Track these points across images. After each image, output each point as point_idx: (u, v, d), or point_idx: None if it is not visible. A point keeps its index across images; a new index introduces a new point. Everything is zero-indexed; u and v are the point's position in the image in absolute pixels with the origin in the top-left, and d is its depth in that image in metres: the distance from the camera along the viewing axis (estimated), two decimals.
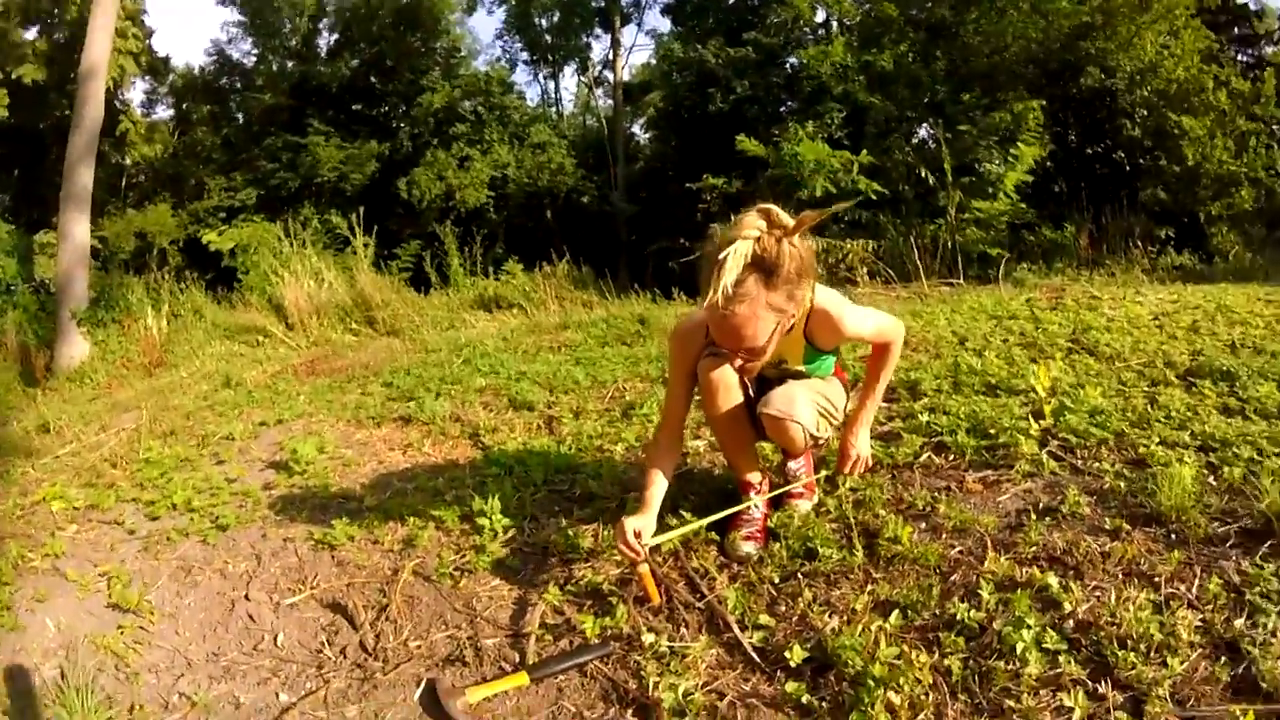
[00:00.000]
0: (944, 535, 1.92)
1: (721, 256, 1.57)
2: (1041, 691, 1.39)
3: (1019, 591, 1.61)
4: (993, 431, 2.39)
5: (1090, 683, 1.38)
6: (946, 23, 9.60)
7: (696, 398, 2.01)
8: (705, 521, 1.89)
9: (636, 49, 30.90)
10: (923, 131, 10.11)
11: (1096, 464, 2.19)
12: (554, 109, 23.17)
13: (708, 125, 12.35)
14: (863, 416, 2.08)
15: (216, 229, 15.09)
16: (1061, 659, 1.43)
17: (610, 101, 20.93)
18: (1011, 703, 1.37)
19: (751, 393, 1.96)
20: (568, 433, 3.00)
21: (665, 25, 19.57)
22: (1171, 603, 1.57)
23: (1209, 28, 8.87)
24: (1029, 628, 1.49)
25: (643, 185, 16.71)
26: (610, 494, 2.36)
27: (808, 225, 1.61)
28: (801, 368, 1.95)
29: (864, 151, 8.38)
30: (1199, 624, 1.50)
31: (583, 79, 23.41)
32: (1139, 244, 7.17)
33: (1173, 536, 1.82)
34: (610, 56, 21.00)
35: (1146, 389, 2.80)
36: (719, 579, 1.86)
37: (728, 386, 1.87)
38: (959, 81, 9.28)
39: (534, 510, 2.37)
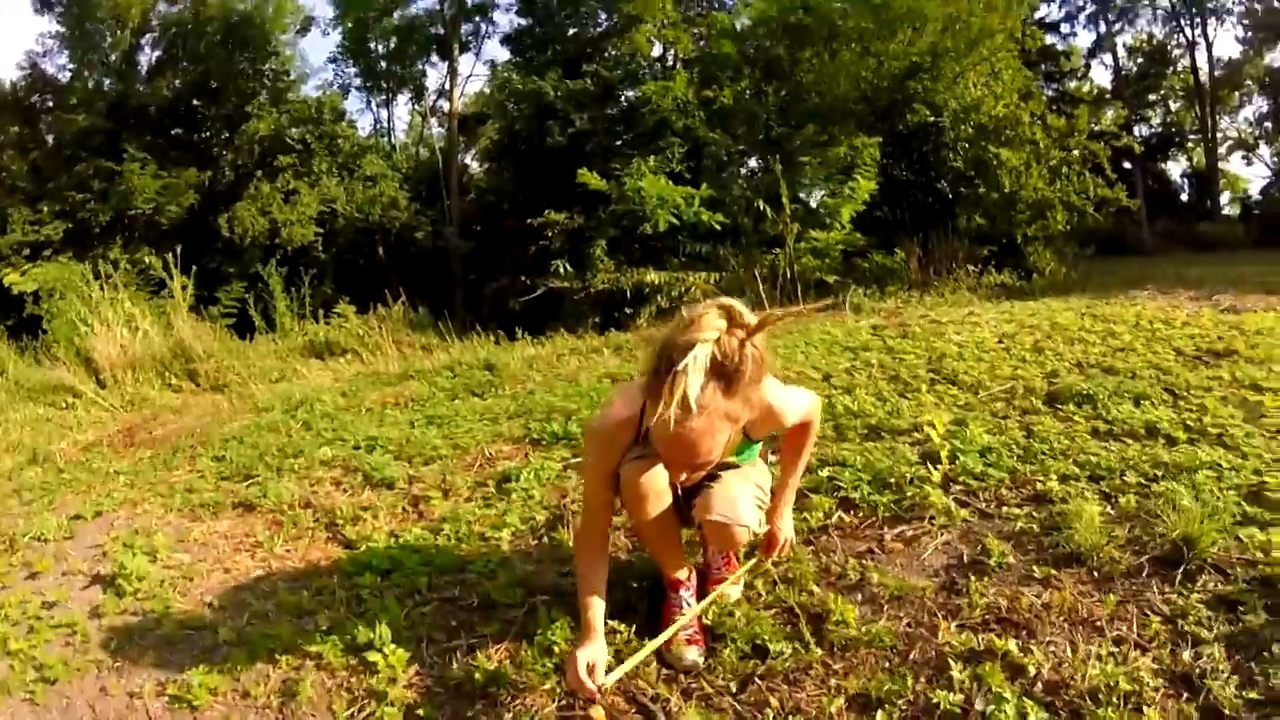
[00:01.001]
0: (886, 608, 1.87)
1: (681, 366, 1.36)
2: None
3: (986, 665, 1.59)
4: (894, 481, 2.43)
5: None
6: (782, 61, 10.20)
7: None
8: (658, 643, 1.68)
9: (473, 78, 30.50)
10: (756, 164, 10.65)
11: (1003, 507, 2.26)
12: (386, 139, 22.14)
13: (546, 159, 12.32)
14: (785, 497, 1.97)
15: (20, 268, 12.89)
16: None
17: (444, 131, 20.36)
18: None
19: (680, 490, 1.79)
20: (440, 517, 2.67)
21: (504, 55, 19.48)
22: (1121, 647, 1.63)
23: (1025, 65, 10.07)
24: (1008, 701, 1.48)
25: (478, 220, 16.28)
26: (513, 599, 2.06)
27: (770, 325, 1.45)
28: (732, 458, 1.82)
29: (704, 185, 8.71)
30: (1153, 665, 1.58)
31: (417, 108, 22.62)
32: (963, 265, 7.95)
33: (1097, 575, 1.90)
34: (447, 85, 20.40)
35: (1019, 418, 2.97)
36: (672, 699, 1.66)
37: (658, 493, 1.70)
38: (794, 118, 9.88)
39: (429, 630, 1.99)
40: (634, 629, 1.83)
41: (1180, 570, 1.85)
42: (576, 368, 5.02)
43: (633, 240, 9.53)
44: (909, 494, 2.33)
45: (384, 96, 22.09)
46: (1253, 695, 1.47)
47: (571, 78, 12.39)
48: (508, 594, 2.05)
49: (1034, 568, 1.93)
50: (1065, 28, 21.43)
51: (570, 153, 11.75)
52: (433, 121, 21.81)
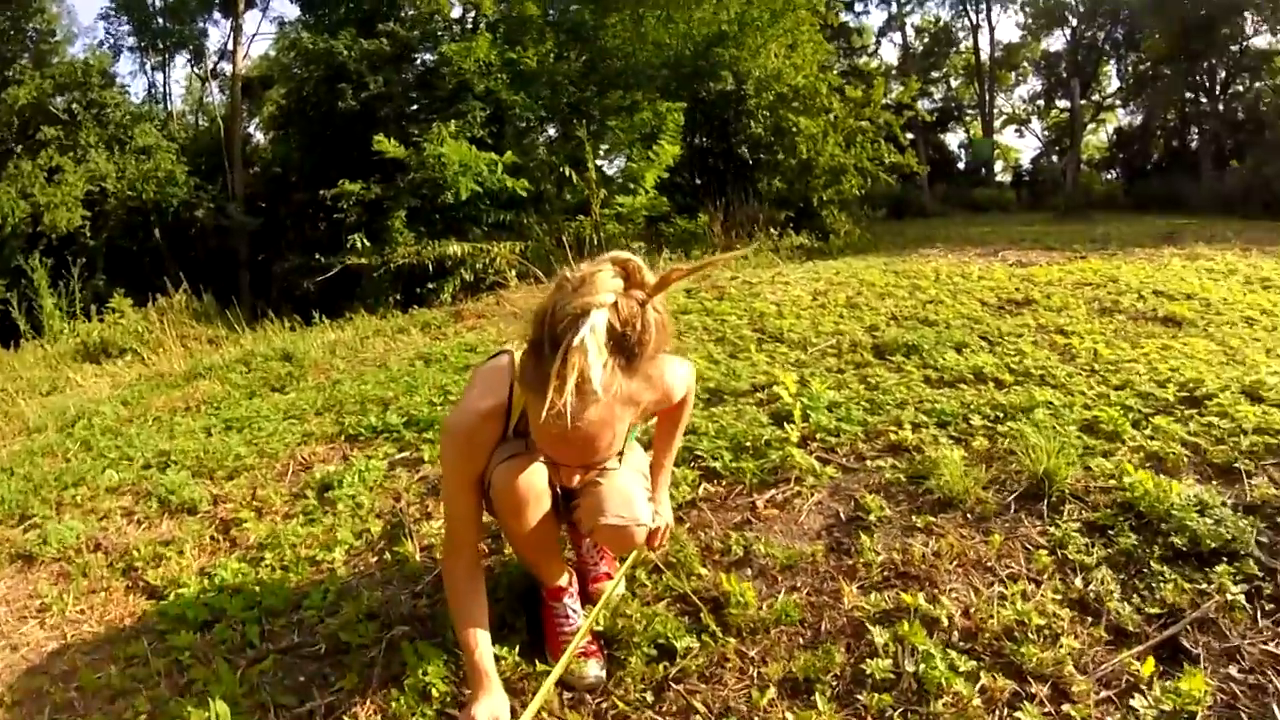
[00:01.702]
0: (780, 579, 1.76)
1: (577, 340, 1.05)
2: (991, 717, 1.34)
3: (903, 624, 1.51)
4: (752, 446, 2.34)
5: (1016, 685, 1.39)
6: (586, 25, 9.94)
7: None
8: (560, 668, 1.39)
9: (260, 37, 26.98)
10: (560, 129, 10.40)
11: (864, 460, 2.26)
12: (163, 106, 18.95)
13: (338, 125, 11.20)
14: (662, 479, 1.75)
15: None
16: (984, 677, 1.40)
17: (226, 97, 17.82)
18: None
19: (559, 488, 1.52)
20: (258, 543, 2.19)
21: (293, 12, 17.32)
22: (1019, 583, 1.64)
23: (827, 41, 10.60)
24: (935, 656, 1.43)
25: (265, 195, 14.50)
26: (366, 636, 1.65)
27: (674, 283, 1.16)
28: None
29: (508, 151, 8.36)
30: (1054, 596, 1.60)
31: (196, 71, 19.57)
32: (764, 228, 8.26)
33: (971, 518, 1.92)
34: (230, 45, 17.75)
35: (855, 371, 3.02)
36: None
37: (538, 497, 1.41)
38: (599, 82, 9.69)
39: (273, 693, 1.56)
40: (516, 651, 1.55)
41: (1045, 504, 1.90)
42: (384, 350, 4.60)
43: (434, 210, 8.96)
44: (771, 457, 2.25)
45: (160, 58, 19.09)
46: (1150, 610, 1.52)
47: (367, 37, 11.28)
48: (359, 631, 1.67)
49: (913, 518, 1.91)
50: (859, 6, 23.40)
51: (364, 118, 10.75)
52: (213, 86, 19.15)
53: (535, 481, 1.38)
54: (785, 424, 2.44)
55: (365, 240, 8.64)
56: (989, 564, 1.72)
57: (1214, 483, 1.95)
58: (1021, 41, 23.65)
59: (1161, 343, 3.07)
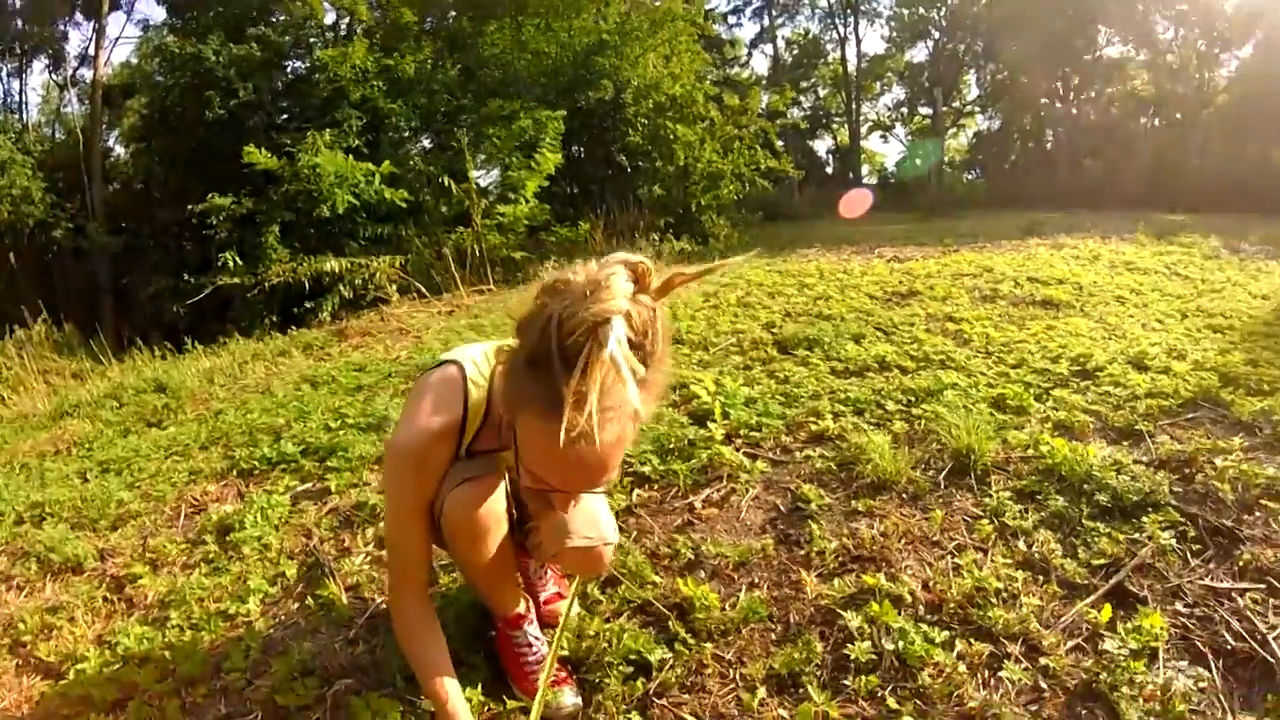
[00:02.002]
0: (737, 578, 1.74)
1: (605, 353, 0.89)
2: (974, 683, 1.37)
3: (872, 605, 1.53)
4: (677, 447, 2.33)
5: (991, 647, 1.42)
6: (465, 33, 9.68)
7: None
8: (539, 708, 1.23)
9: (124, 40, 24.34)
10: (437, 139, 10.13)
11: (790, 453, 2.29)
12: (18, 117, 16.76)
13: (205, 136, 10.37)
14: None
15: None
16: (959, 644, 1.44)
17: (86, 107, 15.94)
18: (969, 704, 1.32)
19: (515, 511, 1.42)
20: (158, 600, 1.93)
21: (159, 15, 15.74)
22: (967, 552, 1.71)
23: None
24: (910, 631, 1.45)
25: (127, 212, 13.17)
26: (304, 695, 1.46)
27: (677, 287, 1.02)
28: None
29: (385, 161, 8.03)
30: (1005, 560, 1.67)
31: (55, 77, 17.43)
32: (645, 234, 8.33)
33: (906, 497, 1.98)
34: (92, 49, 15.88)
35: (764, 367, 3.08)
36: None
37: (498, 520, 1.30)
38: (476, 91, 9.48)
39: None
40: (480, 689, 1.42)
41: (972, 478, 2.00)
42: (266, 374, 4.34)
43: (309, 225, 8.47)
44: (700, 456, 2.24)
45: (16, 64, 16.88)
46: (1095, 562, 1.62)
47: (236, 43, 10.50)
48: (296, 690, 1.47)
49: (852, 503, 1.95)
50: (732, 19, 24.20)
51: (233, 128, 10.02)
52: (72, 95, 17.18)
53: (495, 506, 1.28)
54: (708, 423, 2.44)
55: (237, 259, 8.04)
56: (935, 538, 1.78)
57: (1122, 444, 2.11)
58: (886, 53, 24.97)
59: (1045, 324, 3.31)
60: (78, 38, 16.63)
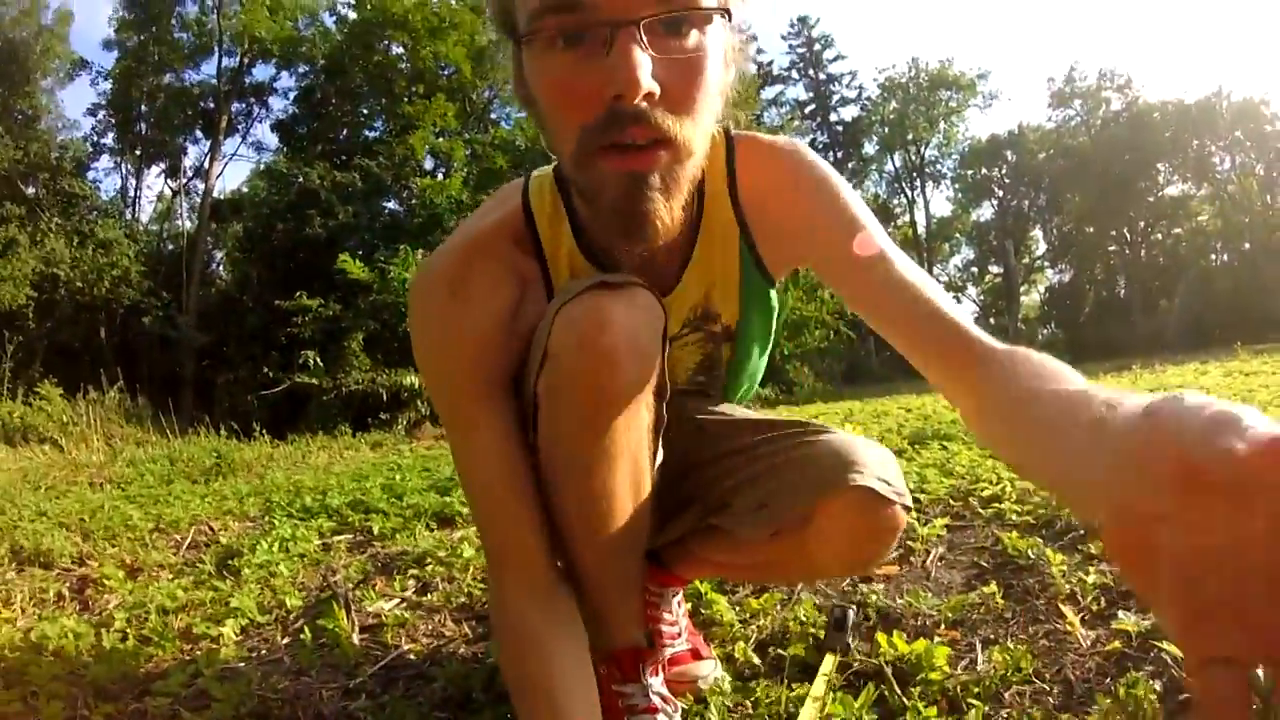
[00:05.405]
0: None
1: None
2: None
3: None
4: None
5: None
6: None
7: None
8: None
9: (236, 159, 27.09)
10: None
11: (961, 517, 1.72)
12: (131, 211, 18.23)
13: (302, 248, 10.90)
14: None
15: None
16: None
17: (193, 221, 17.38)
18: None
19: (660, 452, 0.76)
20: (117, 606, 1.40)
21: (272, 140, 17.58)
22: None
23: None
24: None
25: (218, 315, 13.71)
26: None
27: None
28: (748, 354, 0.85)
29: None
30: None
31: (170, 183, 19.12)
32: None
33: None
34: (206, 164, 17.54)
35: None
36: None
37: (647, 357, 0.66)
38: None
39: None
40: None
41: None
42: (327, 460, 4.03)
43: (393, 338, 8.47)
44: None
45: (136, 165, 18.39)
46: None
47: (341, 170, 11.33)
48: None
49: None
50: None
51: (330, 245, 10.53)
52: (183, 201, 18.78)
53: (649, 348, 0.65)
54: None
55: (319, 360, 7.99)
56: (912, 542, 1.15)
57: None
58: (953, 214, 25.17)
59: None
60: (195, 151, 18.35)
